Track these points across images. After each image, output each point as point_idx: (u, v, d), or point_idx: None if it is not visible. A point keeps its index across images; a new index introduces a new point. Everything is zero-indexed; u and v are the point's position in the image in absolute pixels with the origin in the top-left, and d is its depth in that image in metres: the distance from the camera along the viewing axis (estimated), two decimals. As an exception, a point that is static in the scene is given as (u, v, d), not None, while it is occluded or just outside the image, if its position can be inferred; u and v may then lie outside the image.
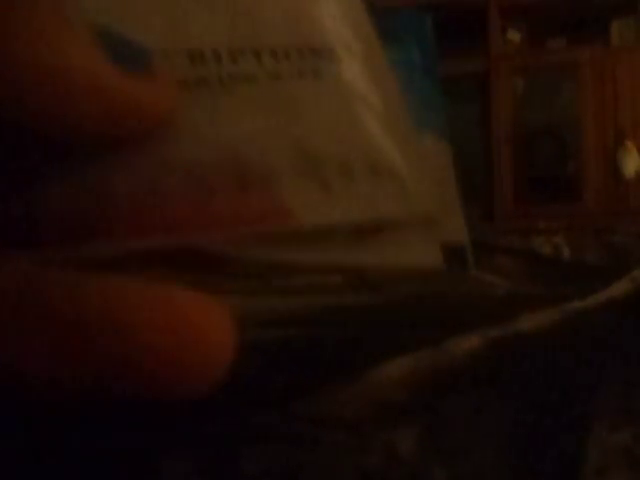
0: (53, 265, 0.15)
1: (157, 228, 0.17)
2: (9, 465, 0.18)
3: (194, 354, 0.13)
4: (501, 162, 2.95)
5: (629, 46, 2.94)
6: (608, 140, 2.91)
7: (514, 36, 3.06)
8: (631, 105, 2.88)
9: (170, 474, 0.19)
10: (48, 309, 0.13)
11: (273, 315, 0.21)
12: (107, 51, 0.15)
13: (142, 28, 0.18)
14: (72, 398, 0.13)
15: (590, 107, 2.91)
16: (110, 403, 0.14)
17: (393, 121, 0.21)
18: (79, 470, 0.19)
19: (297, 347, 0.22)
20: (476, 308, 0.29)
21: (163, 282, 0.14)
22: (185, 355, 0.13)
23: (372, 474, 0.20)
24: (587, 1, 2.89)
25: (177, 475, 0.19)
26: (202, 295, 0.14)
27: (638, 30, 2.96)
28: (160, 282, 0.14)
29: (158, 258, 0.17)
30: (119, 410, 0.20)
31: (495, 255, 0.43)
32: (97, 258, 0.16)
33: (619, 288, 0.30)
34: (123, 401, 0.18)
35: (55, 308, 0.13)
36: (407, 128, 0.22)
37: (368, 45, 0.21)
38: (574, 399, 0.24)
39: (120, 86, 0.14)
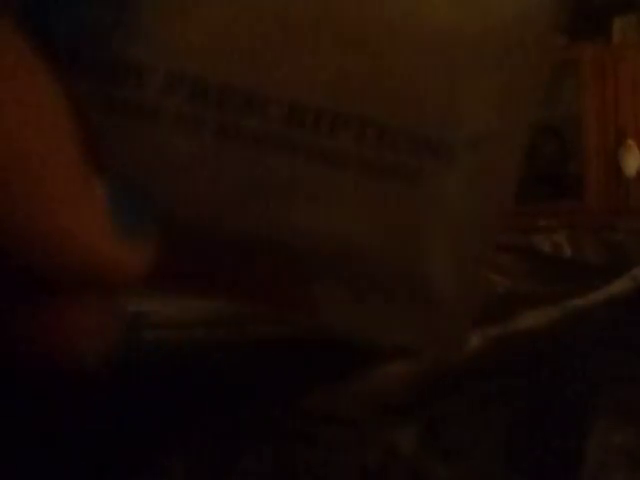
0: None
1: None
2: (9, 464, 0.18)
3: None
4: (502, 160, 2.94)
5: (631, 44, 2.93)
6: (609, 138, 2.90)
7: (515, 34, 3.05)
8: (633, 103, 2.88)
9: (170, 472, 0.19)
10: None
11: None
12: (113, 209, 0.14)
13: (248, 61, 0.16)
14: None
15: (591, 105, 2.90)
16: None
17: (470, 241, 0.18)
18: (80, 469, 0.19)
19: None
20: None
21: None
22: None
23: (372, 472, 0.20)
24: (589, -1, 2.89)
25: (178, 473, 0.19)
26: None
27: (639, 30, 2.95)
28: None
29: None
30: (120, 408, 0.20)
31: (496, 253, 0.43)
32: None
33: (619, 286, 0.30)
34: (122, 401, 0.18)
35: None
36: (489, 243, 0.19)
37: (506, 132, 0.18)
38: (574, 398, 0.24)
39: (106, 249, 0.14)
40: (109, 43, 0.16)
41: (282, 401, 0.20)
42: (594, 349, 0.26)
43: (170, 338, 0.24)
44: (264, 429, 0.20)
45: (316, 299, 0.17)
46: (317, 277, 0.17)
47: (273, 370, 0.21)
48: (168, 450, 0.19)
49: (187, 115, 0.16)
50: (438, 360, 0.23)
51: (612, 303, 0.30)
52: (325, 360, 0.21)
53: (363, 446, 0.20)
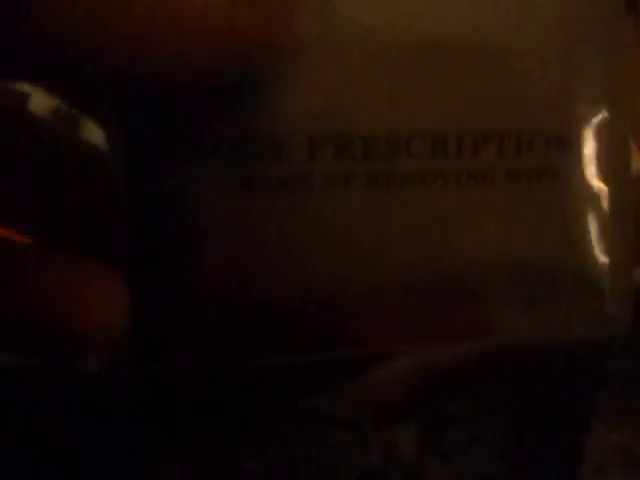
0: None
1: (367, 335, 0.17)
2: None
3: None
4: (502, 161, 2.95)
5: (630, 46, 2.94)
6: (609, 139, 2.91)
7: (515, 35, 3.06)
8: (633, 104, 2.88)
9: (171, 472, 0.19)
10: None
11: None
12: None
13: (384, 104, 0.16)
14: None
15: (591, 106, 2.91)
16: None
17: (619, 219, 0.19)
18: (79, 469, 0.19)
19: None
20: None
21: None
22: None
23: (373, 472, 0.20)
24: (588, 0, 2.89)
25: (178, 473, 0.19)
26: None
27: (638, 29, 2.96)
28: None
29: None
30: (119, 410, 0.20)
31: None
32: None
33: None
34: (124, 403, 0.18)
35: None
36: (630, 224, 0.19)
37: (618, 97, 0.19)
38: (574, 399, 0.24)
39: (228, 14, 0.14)
40: (237, 122, 0.15)
41: (282, 402, 0.20)
42: (594, 349, 0.26)
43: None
44: (265, 429, 0.20)
45: (491, 319, 0.17)
46: (492, 292, 0.17)
47: (273, 370, 0.21)
48: (170, 449, 0.20)
49: (336, 175, 0.16)
50: (438, 361, 0.23)
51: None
52: (326, 360, 0.21)
53: (363, 446, 0.20)
